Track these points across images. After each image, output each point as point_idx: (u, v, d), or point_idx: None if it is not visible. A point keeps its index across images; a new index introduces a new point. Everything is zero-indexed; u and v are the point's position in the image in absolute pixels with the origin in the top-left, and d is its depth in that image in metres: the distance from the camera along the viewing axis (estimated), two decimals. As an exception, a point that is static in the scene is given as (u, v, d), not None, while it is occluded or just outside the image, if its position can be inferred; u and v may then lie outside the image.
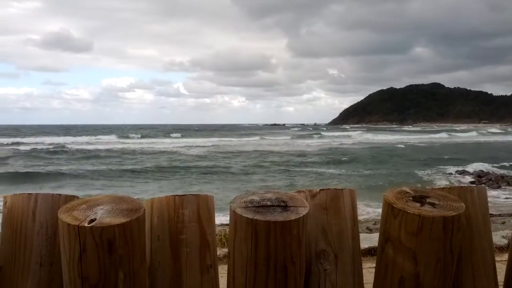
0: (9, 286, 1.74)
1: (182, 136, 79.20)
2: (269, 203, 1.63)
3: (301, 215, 1.56)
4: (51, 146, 47.44)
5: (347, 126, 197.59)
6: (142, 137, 75.38)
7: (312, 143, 57.24)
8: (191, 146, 50.32)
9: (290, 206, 1.61)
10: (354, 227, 1.90)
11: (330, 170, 27.92)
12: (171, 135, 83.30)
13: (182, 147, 49.25)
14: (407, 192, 1.75)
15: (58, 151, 42.45)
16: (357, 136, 78.41)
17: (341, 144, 55.87)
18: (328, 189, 1.88)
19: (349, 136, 77.32)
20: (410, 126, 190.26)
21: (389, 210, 1.70)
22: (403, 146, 51.70)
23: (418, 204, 1.67)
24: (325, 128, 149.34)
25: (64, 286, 1.56)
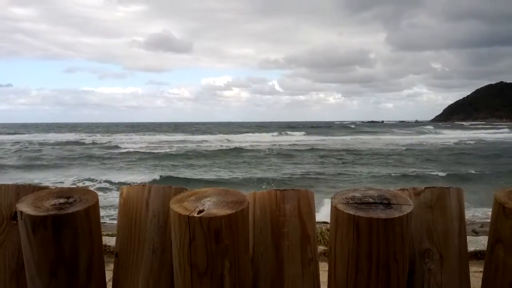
0: (124, 271, 1.88)
1: (307, 134, 78.48)
2: (371, 200, 1.62)
3: (405, 213, 1.54)
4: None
5: (464, 123, 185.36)
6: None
7: (448, 143, 52.39)
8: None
9: (394, 204, 1.59)
10: (461, 227, 1.82)
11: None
12: (293, 133, 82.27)
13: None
14: None
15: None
16: (499, 135, 70.50)
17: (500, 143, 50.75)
18: (433, 187, 1.83)
19: (483, 135, 69.54)
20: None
21: (500, 210, 1.63)
22: None
23: None
24: (450, 125, 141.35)
25: (175, 272, 1.66)
